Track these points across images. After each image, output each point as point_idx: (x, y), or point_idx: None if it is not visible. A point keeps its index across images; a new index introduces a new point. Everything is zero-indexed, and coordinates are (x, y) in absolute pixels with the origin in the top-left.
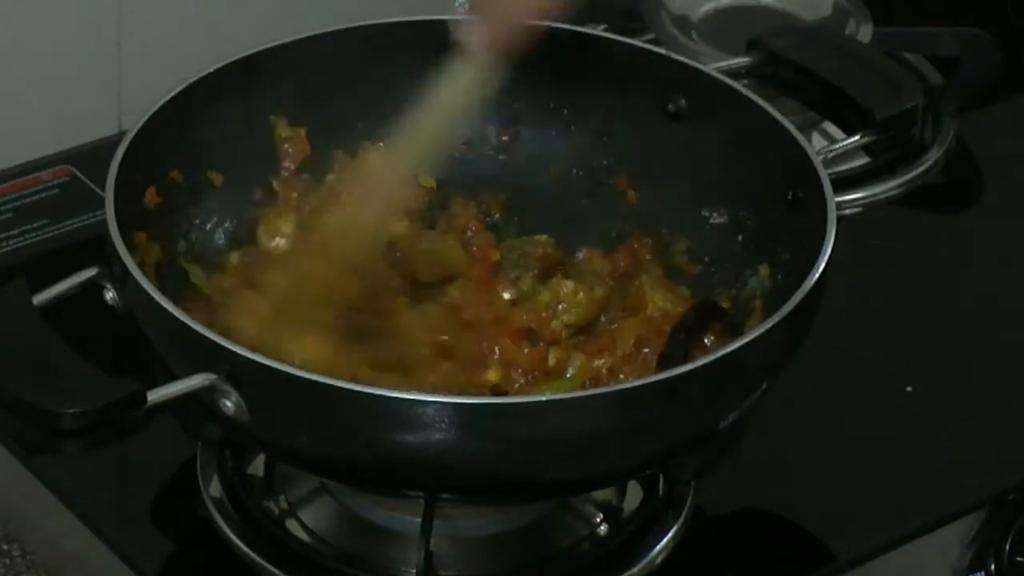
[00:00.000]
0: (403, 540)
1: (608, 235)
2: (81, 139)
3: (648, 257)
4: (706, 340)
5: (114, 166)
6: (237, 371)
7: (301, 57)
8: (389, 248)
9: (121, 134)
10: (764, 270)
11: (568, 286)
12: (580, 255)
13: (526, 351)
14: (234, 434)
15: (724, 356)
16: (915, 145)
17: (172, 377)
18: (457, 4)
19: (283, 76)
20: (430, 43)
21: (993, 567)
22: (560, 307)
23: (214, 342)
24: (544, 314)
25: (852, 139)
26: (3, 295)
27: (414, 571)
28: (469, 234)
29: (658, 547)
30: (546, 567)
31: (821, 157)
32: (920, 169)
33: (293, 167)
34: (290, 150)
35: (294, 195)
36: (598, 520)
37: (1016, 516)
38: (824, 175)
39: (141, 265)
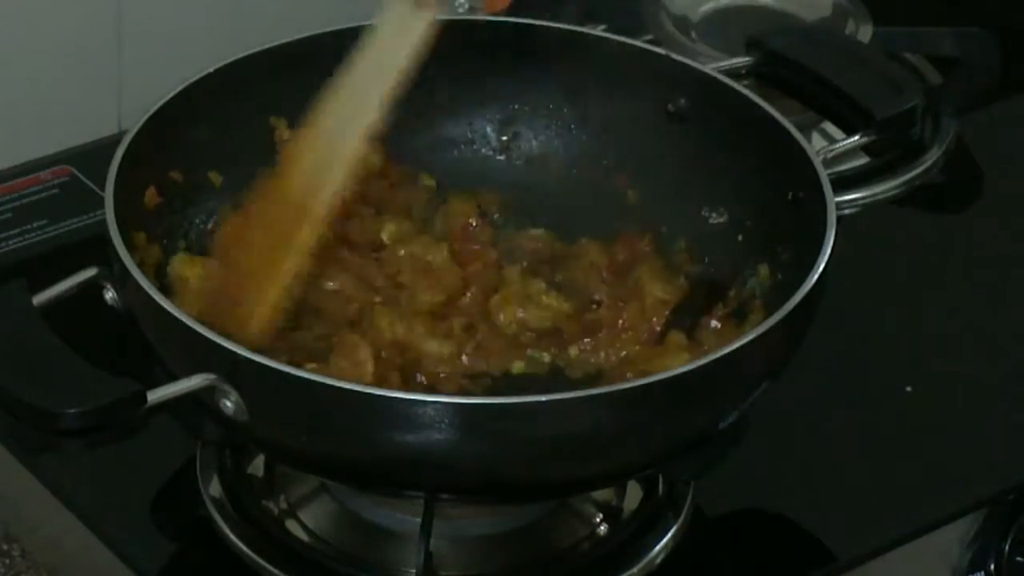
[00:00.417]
0: (403, 540)
1: (608, 235)
2: (81, 139)
3: (647, 249)
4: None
5: (114, 166)
6: (237, 371)
7: (301, 57)
8: (374, 247)
9: (121, 134)
10: (764, 270)
11: (539, 286)
12: (577, 246)
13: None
14: (234, 434)
15: (724, 356)
16: (915, 145)
17: (172, 377)
18: (457, 4)
19: (283, 76)
20: (430, 43)
21: (993, 567)
22: (526, 304)
23: (214, 342)
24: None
25: (852, 139)
26: (3, 295)
27: (414, 571)
28: (471, 229)
29: (658, 547)
30: (546, 567)
31: (821, 157)
32: (920, 169)
33: None
34: None
35: None
36: (598, 520)
37: (1016, 516)
38: (824, 175)
39: (141, 265)
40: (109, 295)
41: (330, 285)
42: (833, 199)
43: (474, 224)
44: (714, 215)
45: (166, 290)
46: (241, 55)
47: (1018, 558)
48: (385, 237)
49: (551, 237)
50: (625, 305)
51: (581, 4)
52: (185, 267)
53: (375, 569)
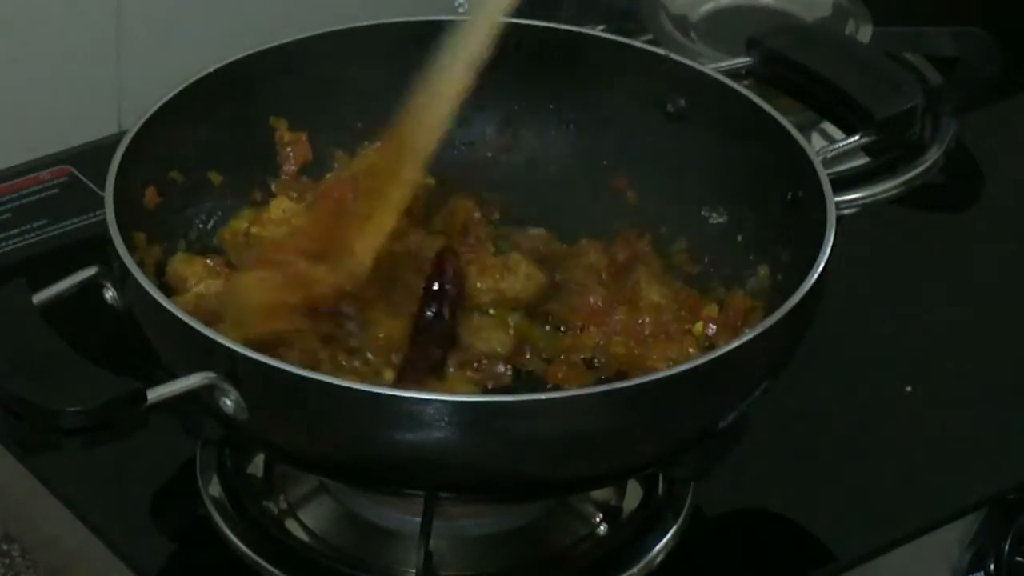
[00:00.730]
0: (403, 540)
1: (607, 235)
2: (81, 139)
3: (647, 250)
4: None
5: (114, 166)
6: (237, 370)
7: (301, 57)
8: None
9: (121, 134)
10: (764, 270)
11: (516, 257)
12: (577, 246)
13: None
14: (234, 433)
15: (724, 356)
16: (915, 145)
17: (172, 376)
18: (457, 4)
19: (283, 76)
20: (430, 43)
21: (993, 567)
22: (502, 273)
23: (214, 341)
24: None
25: (852, 139)
26: (3, 295)
27: (414, 571)
28: (471, 229)
29: (658, 547)
30: (546, 567)
31: (821, 157)
32: (920, 169)
33: (294, 170)
34: (291, 153)
35: (293, 195)
36: (598, 520)
37: (1016, 516)
38: (824, 175)
39: (141, 265)
40: (109, 294)
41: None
42: (833, 199)
43: (474, 224)
44: (714, 215)
45: (166, 289)
46: (241, 55)
47: (1018, 558)
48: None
49: (551, 237)
50: (619, 307)
51: (581, 4)
52: (185, 266)
53: (375, 569)
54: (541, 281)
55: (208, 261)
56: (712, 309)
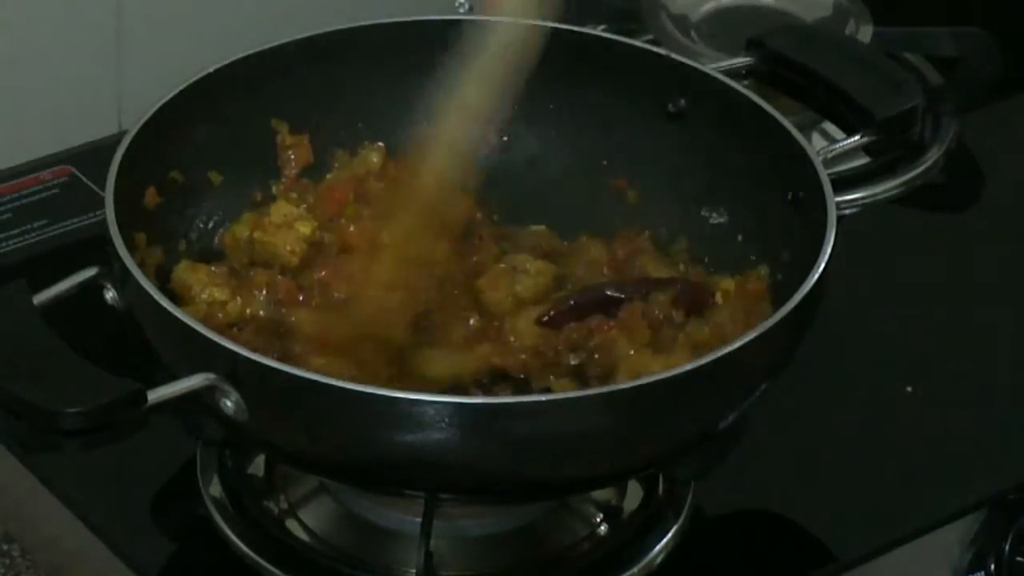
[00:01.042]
0: (403, 540)
1: (608, 235)
2: (81, 139)
3: (647, 246)
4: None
5: (114, 166)
6: (237, 371)
7: (301, 57)
8: (374, 248)
9: (121, 134)
10: (764, 270)
11: (520, 258)
12: (578, 243)
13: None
14: (234, 434)
15: (724, 356)
16: (915, 145)
17: (172, 377)
18: (457, 4)
19: (283, 76)
20: (430, 43)
21: (993, 567)
22: (514, 278)
23: (214, 342)
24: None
25: (852, 139)
26: (3, 295)
27: (414, 571)
28: (472, 229)
29: (658, 547)
30: (546, 567)
31: (821, 157)
32: (920, 169)
33: (295, 172)
34: (292, 157)
35: (293, 196)
36: (598, 520)
37: (1016, 516)
38: (824, 175)
39: (141, 266)
40: (109, 295)
41: (336, 293)
42: (833, 199)
43: (475, 224)
44: (714, 215)
45: (171, 297)
46: (241, 55)
47: (1018, 558)
48: (386, 237)
49: (551, 234)
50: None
51: (581, 4)
52: (189, 274)
53: (375, 569)
54: (551, 272)
55: (213, 268)
56: (729, 284)
